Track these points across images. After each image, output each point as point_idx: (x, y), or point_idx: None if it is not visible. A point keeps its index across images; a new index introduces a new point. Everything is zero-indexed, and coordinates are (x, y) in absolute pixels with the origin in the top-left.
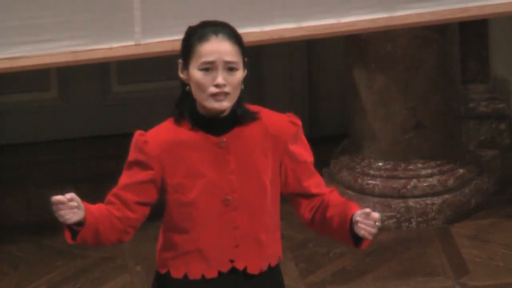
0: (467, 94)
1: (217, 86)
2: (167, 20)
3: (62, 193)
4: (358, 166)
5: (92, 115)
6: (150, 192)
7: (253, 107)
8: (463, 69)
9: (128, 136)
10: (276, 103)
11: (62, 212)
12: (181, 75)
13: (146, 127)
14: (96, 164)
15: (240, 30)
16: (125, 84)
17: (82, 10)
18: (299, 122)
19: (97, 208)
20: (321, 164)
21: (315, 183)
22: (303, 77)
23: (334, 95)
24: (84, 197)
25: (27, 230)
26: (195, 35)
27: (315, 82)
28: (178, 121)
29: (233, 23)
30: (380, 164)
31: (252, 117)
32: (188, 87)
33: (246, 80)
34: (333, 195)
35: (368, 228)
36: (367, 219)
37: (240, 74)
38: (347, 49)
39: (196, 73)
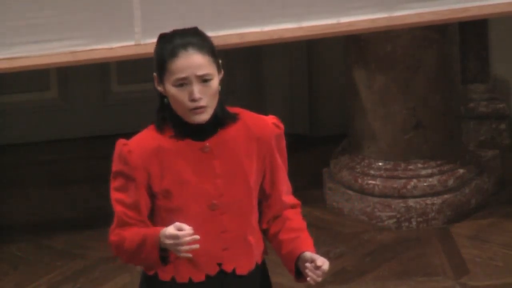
0: (467, 94)
1: (193, 100)
2: (167, 20)
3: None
4: (358, 166)
5: (92, 115)
6: (148, 203)
7: (233, 109)
8: (463, 69)
9: (128, 136)
10: (276, 103)
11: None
12: (158, 88)
13: (146, 127)
14: (96, 164)
15: (240, 30)
16: (125, 84)
17: (82, 10)
18: (282, 126)
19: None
20: (321, 164)
21: (286, 190)
22: (303, 77)
23: (334, 95)
24: (84, 197)
25: (27, 230)
26: (164, 50)
27: (315, 82)
28: (160, 128)
29: (233, 23)
30: (380, 164)
31: (233, 118)
32: (166, 100)
33: (245, 79)
34: (293, 214)
35: (314, 276)
36: (316, 269)
37: (215, 82)
38: (347, 49)
39: (171, 89)
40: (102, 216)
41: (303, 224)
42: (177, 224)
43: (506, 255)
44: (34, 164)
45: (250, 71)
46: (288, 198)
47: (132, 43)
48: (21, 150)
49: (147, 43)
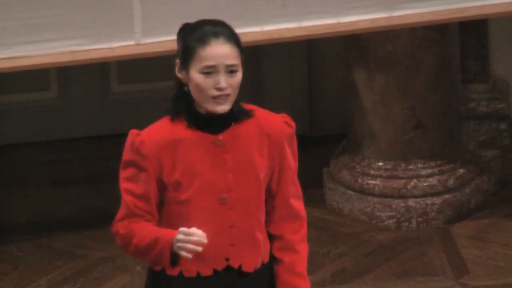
0: (467, 94)
1: (219, 89)
2: (167, 20)
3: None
4: (358, 166)
5: (92, 115)
6: (157, 194)
7: (248, 106)
8: (463, 69)
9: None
10: (276, 103)
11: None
12: (179, 75)
13: (146, 127)
14: (96, 164)
15: (240, 30)
16: (125, 84)
17: (82, 10)
18: (294, 125)
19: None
20: (321, 164)
21: (295, 193)
22: (303, 77)
23: (334, 95)
24: (84, 197)
25: (27, 230)
26: (194, 36)
27: (315, 82)
28: (174, 120)
29: (232, 23)
30: (380, 164)
31: (248, 114)
32: (186, 88)
33: (245, 79)
34: (299, 244)
35: None
36: None
37: (240, 75)
38: (347, 49)
39: (197, 76)
40: (102, 216)
41: (304, 257)
42: (194, 228)
43: (506, 255)
44: (34, 164)
45: (250, 71)
46: (297, 203)
47: (132, 43)
48: (21, 150)
49: (147, 43)
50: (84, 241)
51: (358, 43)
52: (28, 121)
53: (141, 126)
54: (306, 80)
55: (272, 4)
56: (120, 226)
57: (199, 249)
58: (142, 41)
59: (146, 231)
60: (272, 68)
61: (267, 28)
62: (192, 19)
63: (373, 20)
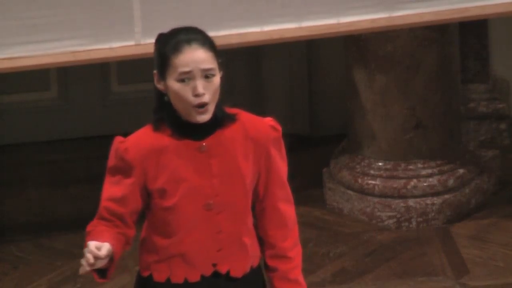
0: (467, 94)
1: (197, 96)
2: (167, 20)
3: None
4: (358, 166)
5: (92, 115)
6: (137, 201)
7: (232, 110)
8: (463, 69)
9: (128, 136)
10: (276, 103)
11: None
12: (158, 86)
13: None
14: (96, 164)
15: (240, 30)
16: (125, 84)
17: (82, 10)
18: (280, 128)
19: (111, 237)
20: (321, 164)
21: (285, 198)
22: (303, 77)
23: (334, 95)
24: (84, 197)
25: (27, 230)
26: (167, 46)
27: (315, 82)
28: (157, 127)
29: (232, 23)
30: (380, 164)
31: (232, 118)
32: (166, 97)
33: (245, 79)
34: (293, 250)
35: None
36: None
37: (217, 79)
38: (347, 49)
39: (174, 85)
40: None
41: (298, 263)
42: (93, 244)
43: (506, 255)
44: (34, 164)
45: (250, 71)
46: (286, 208)
47: (132, 43)
48: (21, 150)
49: (147, 43)
50: (84, 241)
51: (358, 43)
52: (28, 121)
53: (141, 126)
54: (306, 80)
55: (272, 4)
56: (88, 225)
57: (86, 268)
58: (142, 41)
59: (93, 237)
60: (272, 68)
61: (267, 28)
62: (192, 19)
63: (373, 20)
